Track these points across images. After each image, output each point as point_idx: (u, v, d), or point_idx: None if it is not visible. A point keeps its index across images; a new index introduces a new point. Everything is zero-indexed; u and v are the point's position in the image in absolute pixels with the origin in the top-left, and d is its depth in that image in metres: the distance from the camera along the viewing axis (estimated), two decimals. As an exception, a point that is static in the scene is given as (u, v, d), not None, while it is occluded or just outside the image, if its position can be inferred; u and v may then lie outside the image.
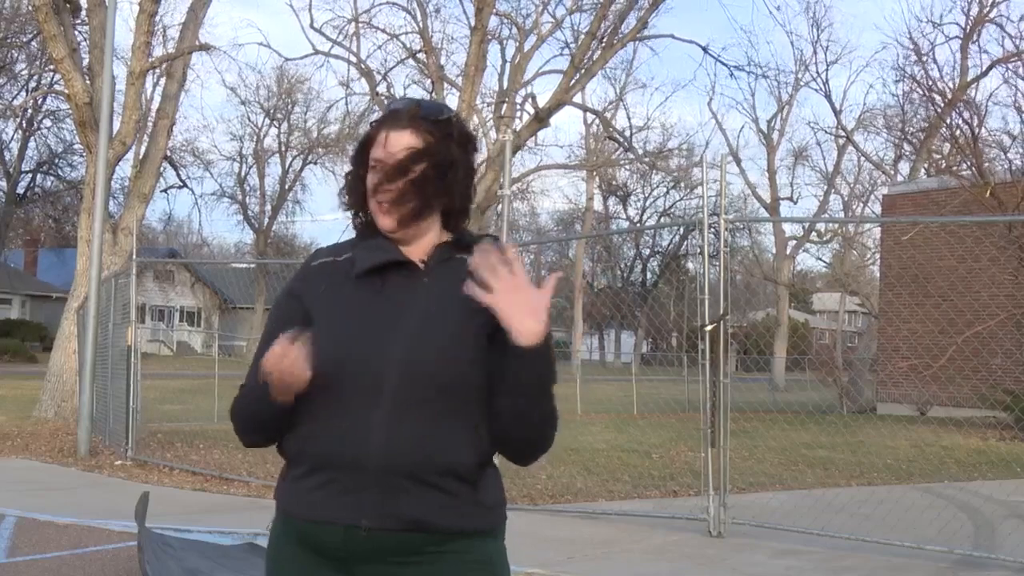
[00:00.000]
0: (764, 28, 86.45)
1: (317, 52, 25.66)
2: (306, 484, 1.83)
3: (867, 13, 50.48)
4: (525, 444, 1.87)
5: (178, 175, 33.56)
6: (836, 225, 36.40)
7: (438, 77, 22.11)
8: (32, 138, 37.59)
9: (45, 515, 7.08)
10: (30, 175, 39.23)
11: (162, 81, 16.88)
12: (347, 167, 1.99)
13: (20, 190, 39.00)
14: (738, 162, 38.26)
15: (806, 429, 14.38)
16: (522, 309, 1.75)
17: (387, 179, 1.85)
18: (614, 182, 50.14)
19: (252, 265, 49.14)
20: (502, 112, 21.15)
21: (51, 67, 25.16)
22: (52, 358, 14.50)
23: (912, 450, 12.76)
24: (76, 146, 33.89)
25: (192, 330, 51.08)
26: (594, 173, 44.26)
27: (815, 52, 43.13)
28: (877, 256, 27.03)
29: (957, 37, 22.96)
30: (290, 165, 47.01)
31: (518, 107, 22.59)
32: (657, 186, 50.85)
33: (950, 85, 20.74)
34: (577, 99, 27.89)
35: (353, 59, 24.70)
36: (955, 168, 18.96)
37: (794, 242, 38.76)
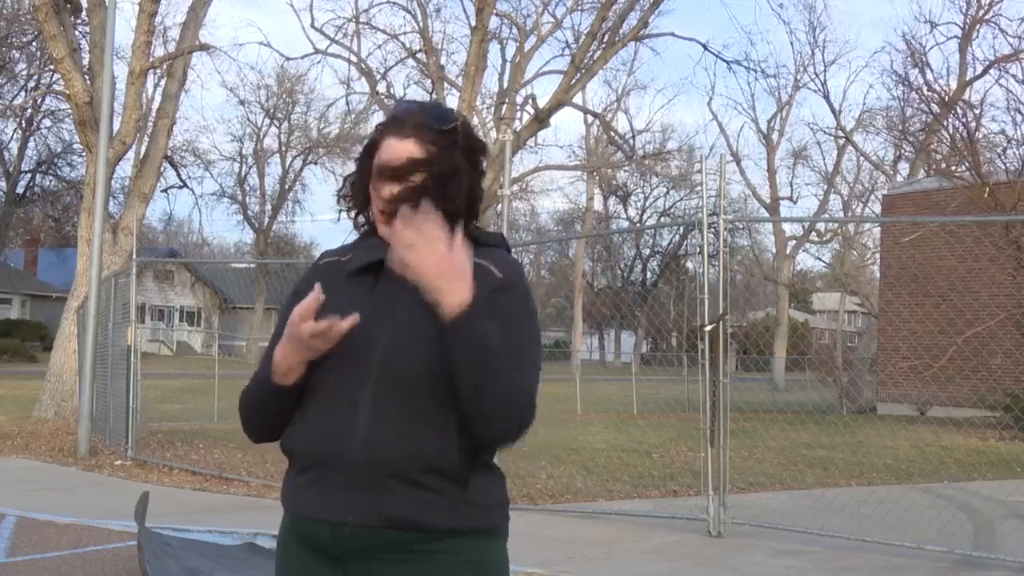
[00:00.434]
0: (764, 28, 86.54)
1: (317, 51, 25.66)
2: (300, 481, 1.85)
3: (866, 13, 50.52)
4: (490, 421, 1.75)
5: (178, 175, 33.57)
6: (836, 225, 36.43)
7: (438, 77, 22.11)
8: (32, 138, 37.63)
9: (45, 515, 7.08)
10: (30, 175, 39.24)
11: (163, 81, 16.88)
12: (350, 168, 2.00)
13: (20, 190, 39.02)
14: (738, 162, 38.31)
15: (806, 429, 14.39)
16: (443, 277, 1.72)
17: (385, 188, 1.86)
18: (614, 182, 50.17)
19: (252, 265, 49.15)
20: (502, 112, 21.15)
21: (51, 67, 25.16)
22: (52, 358, 14.50)
23: (912, 450, 12.76)
24: (76, 146, 33.91)
25: (192, 330, 51.09)
26: (594, 173, 44.28)
27: (813, 53, 43.19)
28: (877, 256, 27.04)
29: (955, 37, 22.98)
30: (290, 165, 47.08)
31: (518, 107, 22.59)
32: (657, 186, 50.92)
33: (947, 87, 20.76)
34: (578, 100, 27.94)
35: (353, 59, 24.71)
36: (953, 168, 18.96)
37: (794, 242, 38.78)
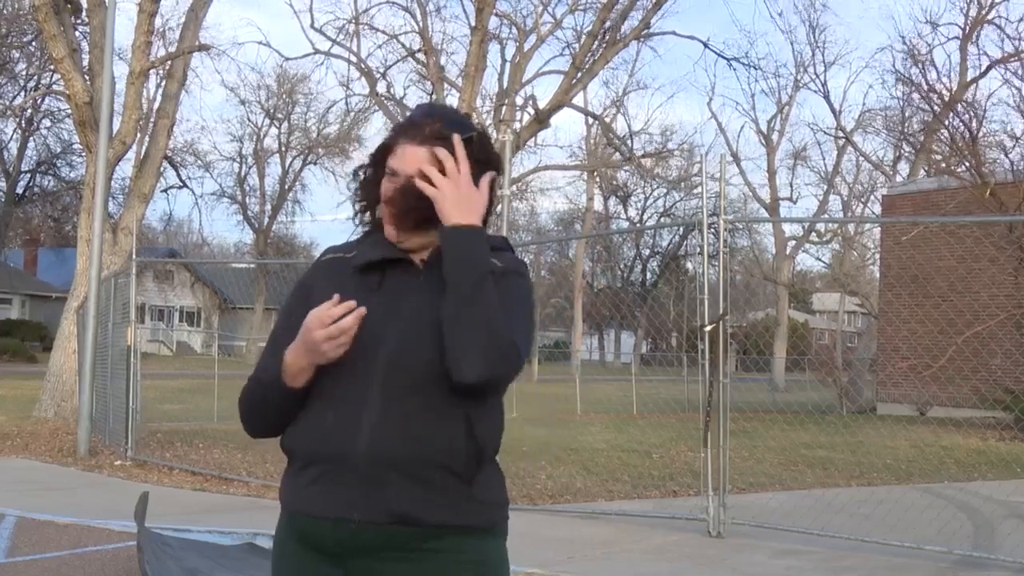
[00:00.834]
0: (763, 31, 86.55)
1: (317, 52, 25.70)
2: (302, 479, 1.85)
3: (867, 13, 50.54)
4: (475, 348, 1.74)
5: (178, 175, 33.62)
6: (836, 225, 36.41)
7: (438, 77, 22.12)
8: (32, 138, 37.61)
9: (45, 515, 7.07)
10: (30, 175, 39.23)
11: (164, 81, 16.88)
12: (350, 168, 2.01)
13: (20, 190, 39.00)
14: (738, 162, 38.29)
15: (806, 429, 14.38)
16: (459, 202, 1.82)
17: (396, 198, 1.88)
18: (614, 182, 50.17)
19: (252, 265, 49.14)
20: (502, 113, 21.16)
21: (51, 67, 25.16)
22: (52, 358, 14.50)
23: (912, 450, 12.76)
24: (75, 146, 33.88)
25: (192, 330, 51.08)
26: (594, 173, 44.29)
27: (813, 54, 43.16)
28: (877, 256, 27.04)
29: (956, 38, 22.98)
30: (290, 165, 47.08)
31: (518, 108, 22.61)
32: (657, 186, 50.89)
33: (948, 86, 20.75)
34: (578, 100, 27.94)
35: (353, 59, 24.71)
36: (954, 168, 18.95)
37: (794, 242, 38.77)
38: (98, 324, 11.16)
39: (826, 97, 35.96)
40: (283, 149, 46.81)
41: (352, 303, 1.76)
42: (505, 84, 23.82)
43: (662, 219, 51.21)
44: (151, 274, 43.16)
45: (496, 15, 21.03)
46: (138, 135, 14.97)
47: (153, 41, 15.08)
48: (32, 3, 14.78)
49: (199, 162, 40.87)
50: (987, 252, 18.07)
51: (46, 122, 36.18)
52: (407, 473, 1.77)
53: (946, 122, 19.22)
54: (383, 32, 24.72)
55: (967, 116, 18.56)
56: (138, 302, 11.18)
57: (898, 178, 29.49)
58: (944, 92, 20.07)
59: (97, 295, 11.11)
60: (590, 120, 39.34)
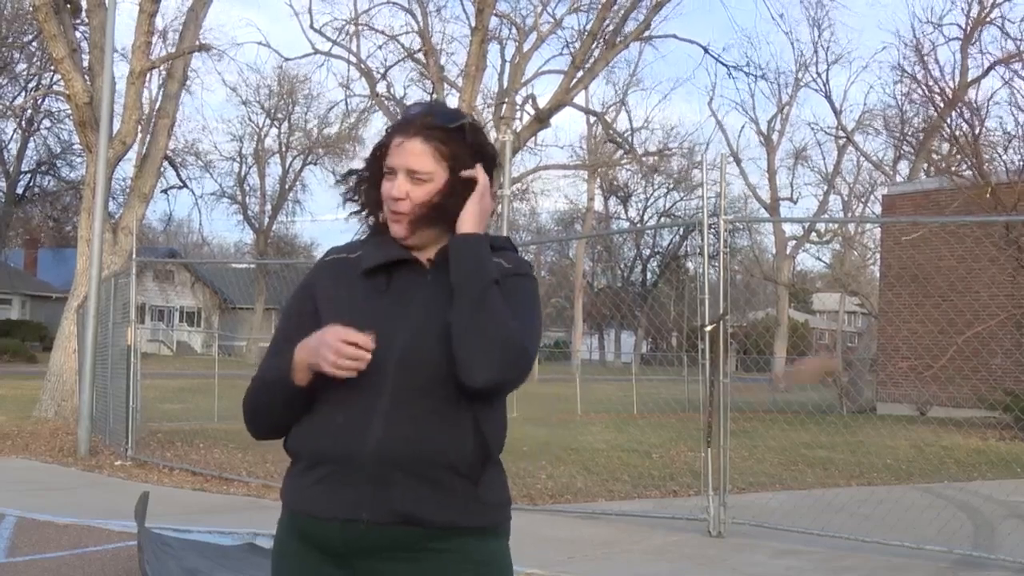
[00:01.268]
0: (765, 30, 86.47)
1: (317, 52, 25.70)
2: (307, 479, 1.85)
3: (868, 14, 50.53)
4: (485, 349, 1.76)
5: (178, 175, 33.59)
6: (836, 225, 36.40)
7: (438, 77, 22.12)
8: (32, 138, 37.62)
9: (45, 515, 7.07)
10: (30, 175, 39.23)
11: (164, 81, 16.88)
12: (357, 167, 2.01)
13: (20, 190, 39.01)
14: (738, 162, 38.30)
15: (806, 429, 14.38)
16: (478, 213, 1.90)
17: (394, 187, 1.89)
18: (615, 182, 50.17)
19: (252, 265, 49.14)
20: (502, 112, 21.16)
21: (51, 67, 25.16)
22: (52, 358, 14.49)
23: (912, 450, 12.75)
24: (75, 146, 33.90)
25: (192, 330, 51.08)
26: (595, 173, 44.29)
27: (816, 52, 43.16)
28: (877, 256, 27.04)
29: (957, 38, 22.97)
30: (290, 165, 47.10)
31: (518, 107, 22.62)
32: (658, 187, 50.92)
33: (950, 85, 20.73)
34: (579, 99, 27.93)
35: (353, 59, 24.71)
36: (955, 168, 18.96)
37: (794, 242, 38.77)
38: (98, 324, 11.16)
39: (827, 96, 35.87)
40: (283, 149, 46.85)
41: (371, 343, 1.77)
42: (505, 84, 23.83)
43: (662, 219, 51.24)
44: (151, 274, 43.17)
45: (496, 15, 21.03)
46: (138, 135, 14.96)
47: (153, 41, 15.09)
48: (32, 3, 14.78)
49: (200, 162, 40.92)
50: (987, 252, 18.06)
51: (46, 122, 36.24)
52: (414, 473, 1.78)
53: (947, 122, 19.21)
54: (383, 33, 24.73)
55: (968, 116, 18.55)
56: (138, 302, 11.18)
57: (898, 178, 29.50)
58: (946, 92, 20.05)
59: (97, 295, 11.11)
60: (591, 119, 39.39)
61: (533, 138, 24.80)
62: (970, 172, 17.57)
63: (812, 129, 61.31)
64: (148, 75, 15.23)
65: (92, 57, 14.33)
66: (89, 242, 12.25)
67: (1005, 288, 18.68)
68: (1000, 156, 18.69)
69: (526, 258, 1.98)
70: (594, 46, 19.16)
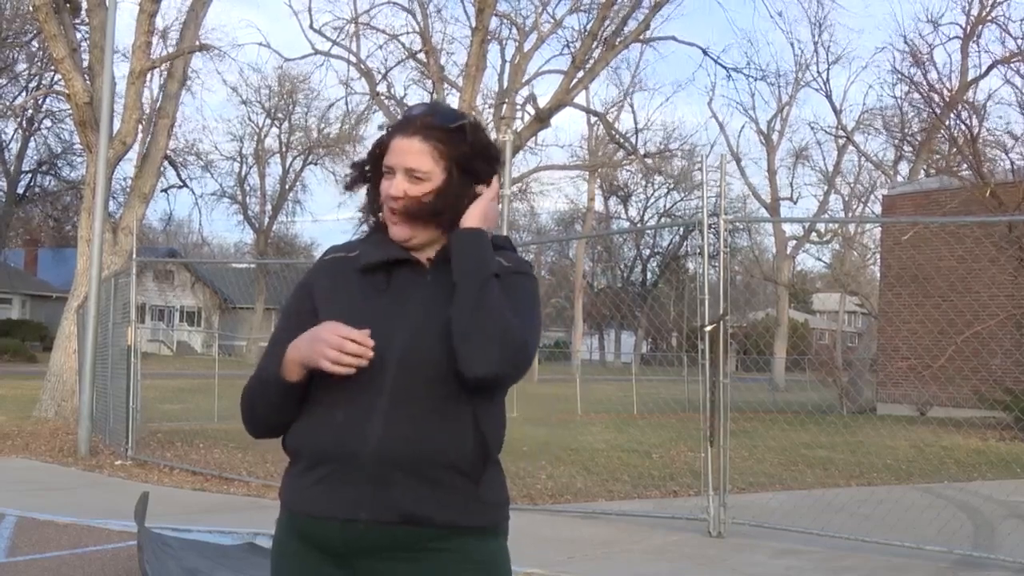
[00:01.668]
0: (764, 30, 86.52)
1: (317, 52, 25.69)
2: (306, 479, 1.85)
3: (868, 13, 50.54)
4: (485, 343, 1.76)
5: (178, 175, 33.61)
6: (836, 225, 36.41)
7: (439, 77, 22.12)
8: (32, 138, 37.62)
9: (45, 515, 7.08)
10: (30, 175, 39.24)
11: (165, 81, 16.88)
12: (353, 167, 2.01)
13: (20, 190, 39.01)
14: (738, 162, 38.30)
15: (806, 429, 14.38)
16: (485, 210, 1.92)
17: (394, 185, 1.89)
18: (615, 182, 50.17)
19: (252, 265, 49.12)
20: (502, 112, 21.16)
21: (51, 67, 25.18)
22: (52, 358, 14.50)
23: (912, 450, 12.75)
24: (76, 146, 33.90)
25: (192, 330, 51.08)
26: (595, 173, 44.28)
27: (816, 52, 43.14)
28: (877, 256, 27.04)
29: (957, 37, 22.96)
30: (291, 165, 47.08)
31: (519, 107, 22.62)
32: (658, 187, 50.92)
33: (949, 86, 20.73)
34: (580, 99, 27.92)
35: (353, 59, 24.70)
36: (955, 168, 18.95)
37: (794, 242, 38.78)
38: (98, 324, 11.16)
39: (827, 96, 35.85)
40: (284, 149, 46.84)
41: (370, 340, 1.77)
42: (505, 84, 23.83)
43: (662, 219, 51.23)
44: (151, 274, 43.16)
45: (496, 15, 21.03)
46: (138, 135, 14.96)
47: (153, 41, 15.09)
48: (32, 3, 14.78)
49: (200, 162, 40.91)
50: (987, 252, 18.07)
51: (47, 122, 36.24)
52: (414, 473, 1.78)
53: (947, 122, 19.21)
54: (383, 32, 24.72)
55: (968, 116, 18.55)
56: (138, 302, 11.18)
57: (899, 178, 29.49)
58: (945, 92, 20.05)
59: (97, 295, 11.12)
60: (591, 119, 39.39)
61: (533, 138, 24.80)
62: (969, 172, 17.56)
63: (812, 129, 61.31)
64: (148, 75, 15.23)
65: (92, 57, 14.34)
66: (89, 242, 12.26)
67: (1005, 288, 18.68)
68: (1002, 156, 18.69)
69: (526, 258, 1.98)
70: (594, 46, 19.16)
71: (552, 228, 52.49)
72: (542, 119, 19.80)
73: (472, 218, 1.89)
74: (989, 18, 22.56)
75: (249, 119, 46.20)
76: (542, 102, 20.74)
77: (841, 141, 34.29)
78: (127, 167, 24.58)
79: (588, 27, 19.80)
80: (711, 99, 56.04)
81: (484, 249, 1.86)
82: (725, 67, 24.27)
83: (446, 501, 1.79)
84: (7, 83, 34.65)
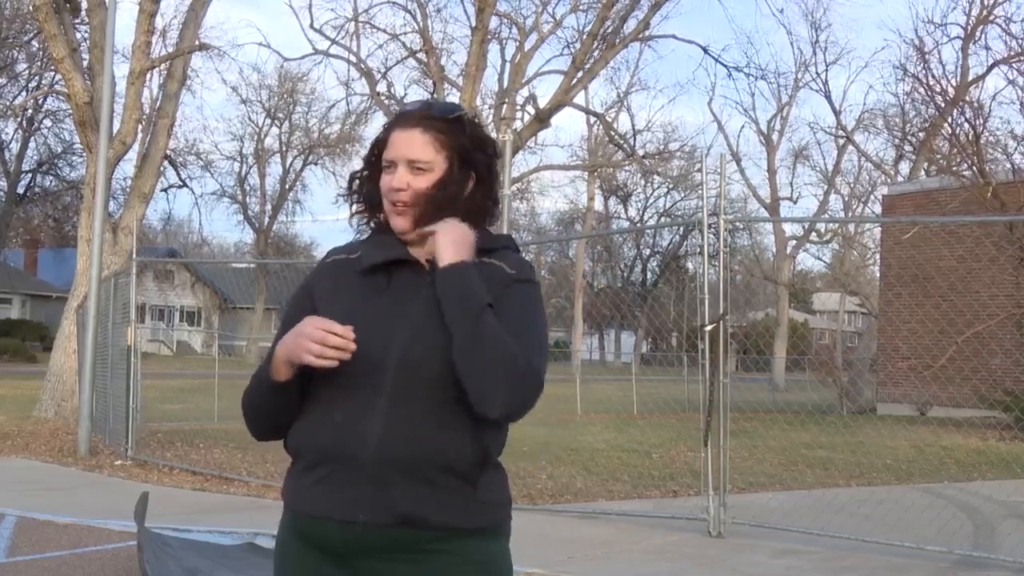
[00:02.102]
0: (764, 29, 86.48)
1: (317, 52, 25.67)
2: (306, 480, 1.85)
3: (868, 13, 50.55)
4: (489, 382, 1.75)
5: (178, 175, 33.61)
6: (836, 225, 36.41)
7: (439, 77, 22.11)
8: (32, 138, 37.61)
9: (45, 515, 7.08)
10: (30, 175, 39.24)
11: (164, 81, 16.88)
12: (351, 168, 2.01)
13: (20, 190, 39.01)
14: (738, 162, 38.29)
15: (806, 429, 14.38)
16: (456, 241, 1.85)
17: (396, 178, 1.88)
18: (615, 182, 50.18)
19: (252, 265, 49.13)
20: (502, 112, 21.16)
21: (51, 67, 25.17)
22: (52, 358, 14.50)
23: (912, 450, 12.75)
24: (76, 146, 33.89)
25: (192, 330, 51.08)
26: (595, 173, 44.28)
27: (815, 52, 43.05)
28: (877, 256, 27.03)
29: (958, 37, 22.95)
30: (291, 165, 47.09)
31: (519, 107, 22.61)
32: (658, 186, 50.92)
33: (952, 84, 20.72)
34: (579, 99, 27.93)
35: (353, 59, 24.69)
36: (956, 168, 18.94)
37: (794, 242, 38.77)
38: (98, 324, 11.17)
39: (827, 96, 35.86)
40: (284, 149, 46.85)
41: (352, 333, 1.76)
42: (505, 84, 23.82)
43: (662, 219, 51.24)
44: (151, 274, 43.15)
45: (496, 15, 21.02)
46: (138, 135, 14.97)
47: (153, 41, 15.09)
48: (32, 3, 14.78)
49: (200, 161, 40.92)
50: (987, 252, 18.07)
51: (47, 122, 36.23)
52: (412, 474, 1.77)
53: (948, 121, 19.21)
54: (384, 32, 24.71)
55: (969, 115, 18.54)
56: (138, 302, 11.18)
57: (899, 178, 29.49)
58: (947, 91, 20.04)
59: (97, 295, 11.12)
60: (591, 119, 39.38)
61: (533, 138, 24.79)
62: (971, 172, 17.55)
63: (812, 129, 61.36)
64: (148, 75, 15.24)
65: (92, 57, 14.34)
66: (89, 242, 12.26)
67: (1005, 288, 18.67)
68: (1005, 155, 18.68)
69: (526, 258, 1.97)
70: (594, 46, 19.16)
71: (552, 228, 52.52)
72: (542, 119, 19.81)
73: (446, 253, 1.83)
74: (989, 19, 22.55)
75: (249, 119, 46.26)
76: (542, 102, 20.75)
77: (841, 141, 34.30)
78: (127, 167, 24.58)
79: (588, 28, 19.80)
80: (711, 99, 56.04)
81: (468, 285, 1.80)
82: (726, 65, 24.14)
83: (444, 502, 1.79)
84: (7, 83, 34.65)
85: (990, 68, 21.96)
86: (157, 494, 6.45)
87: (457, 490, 1.80)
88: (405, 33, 24.41)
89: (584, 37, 19.74)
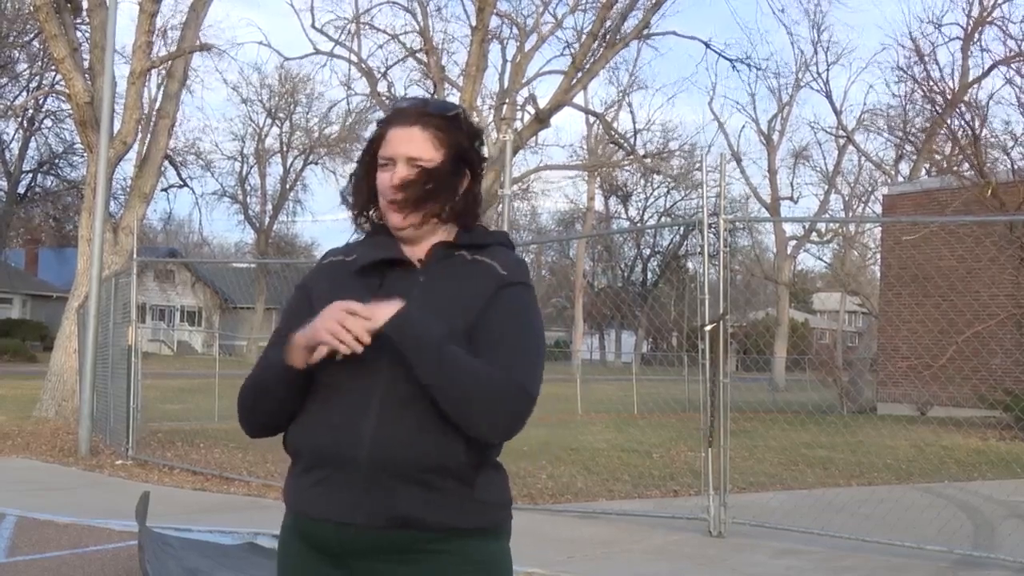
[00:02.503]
0: (765, 29, 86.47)
1: (318, 52, 25.67)
2: (305, 481, 1.85)
3: (868, 14, 50.52)
4: (469, 420, 1.76)
5: (179, 174, 33.66)
6: (836, 225, 36.41)
7: (439, 77, 22.10)
8: (33, 138, 37.64)
9: (45, 515, 7.08)
10: (31, 175, 39.26)
11: (165, 81, 16.89)
12: (352, 167, 2.01)
13: (21, 190, 39.03)
14: (738, 162, 38.29)
15: (806, 429, 14.38)
16: (381, 306, 1.77)
17: (394, 174, 1.88)
18: (615, 182, 50.17)
19: (253, 265, 49.15)
20: (503, 112, 21.16)
21: (52, 67, 25.18)
22: (52, 357, 14.50)
23: (912, 450, 12.75)
24: (77, 146, 33.91)
25: (192, 330, 51.09)
26: (595, 173, 44.27)
27: (816, 52, 43.11)
28: (877, 256, 27.04)
29: (958, 38, 22.95)
30: (291, 165, 47.11)
31: (519, 107, 22.61)
32: (658, 186, 50.92)
33: (951, 85, 20.72)
34: (579, 100, 27.93)
35: (354, 59, 24.69)
36: (956, 168, 18.95)
37: (794, 242, 38.76)
38: (99, 324, 11.17)
39: (828, 96, 35.81)
40: (284, 149, 46.87)
41: (371, 313, 1.76)
42: (506, 84, 23.81)
43: (662, 219, 51.23)
44: (152, 274, 43.19)
45: (497, 15, 21.02)
46: (139, 135, 14.97)
47: (154, 41, 15.10)
48: (33, 3, 14.79)
49: (200, 161, 40.94)
50: (987, 252, 18.07)
51: (48, 122, 36.27)
52: (407, 477, 1.77)
53: (948, 121, 19.20)
54: (384, 32, 24.71)
55: (969, 115, 18.54)
56: (139, 302, 11.18)
57: (899, 178, 29.49)
58: (947, 90, 20.04)
59: (98, 295, 11.12)
60: (591, 119, 39.38)
61: (534, 138, 24.80)
62: (971, 172, 17.55)
63: (812, 129, 61.35)
64: (148, 75, 15.24)
65: (93, 57, 14.34)
66: (90, 242, 12.26)
67: (1005, 288, 18.68)
68: (1004, 156, 18.68)
69: (526, 259, 1.97)
70: (594, 46, 19.16)
71: (552, 228, 52.52)
72: (542, 119, 19.81)
73: (381, 314, 1.77)
74: (989, 19, 22.55)
75: (250, 119, 46.30)
76: (542, 103, 20.75)
77: (841, 141, 34.30)
78: (127, 167, 24.56)
79: (588, 29, 19.80)
80: (711, 99, 56.24)
81: (415, 329, 1.77)
82: (728, 59, 24.02)
83: (440, 503, 1.78)
84: (8, 83, 34.66)
85: (990, 69, 21.98)
86: (158, 494, 6.46)
87: (453, 491, 1.79)
88: (405, 33, 24.43)
89: (584, 37, 19.74)
